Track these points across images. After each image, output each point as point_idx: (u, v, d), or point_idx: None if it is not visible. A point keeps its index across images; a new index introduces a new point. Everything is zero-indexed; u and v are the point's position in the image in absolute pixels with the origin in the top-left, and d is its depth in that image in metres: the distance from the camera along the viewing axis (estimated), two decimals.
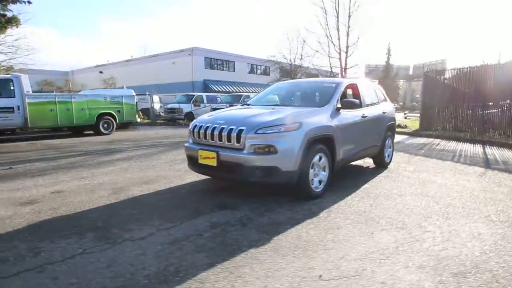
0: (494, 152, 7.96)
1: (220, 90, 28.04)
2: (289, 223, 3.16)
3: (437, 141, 10.28)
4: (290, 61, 28.13)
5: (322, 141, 3.92)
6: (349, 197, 4.05)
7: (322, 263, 2.38)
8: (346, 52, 18.50)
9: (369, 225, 3.12)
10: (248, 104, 5.05)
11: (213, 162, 3.70)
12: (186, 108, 17.75)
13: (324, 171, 4.03)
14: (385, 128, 5.66)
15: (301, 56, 27.60)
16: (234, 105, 17.68)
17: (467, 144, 9.47)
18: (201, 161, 3.85)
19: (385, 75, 41.97)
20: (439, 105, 12.99)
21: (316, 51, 19.91)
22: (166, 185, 4.50)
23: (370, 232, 2.96)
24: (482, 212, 3.51)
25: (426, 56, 79.90)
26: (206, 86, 28.44)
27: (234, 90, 29.27)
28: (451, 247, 2.65)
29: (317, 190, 3.92)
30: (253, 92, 25.34)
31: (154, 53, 33.42)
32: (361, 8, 17.59)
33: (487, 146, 8.91)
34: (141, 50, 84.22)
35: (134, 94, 13.11)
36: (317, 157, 3.84)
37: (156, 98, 20.49)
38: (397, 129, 13.37)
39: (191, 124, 4.25)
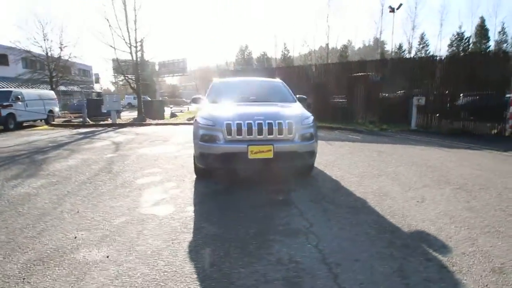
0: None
1: None
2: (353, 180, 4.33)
3: None
4: (46, 50, 23.25)
5: None
6: (329, 166, 5.54)
7: (406, 196, 3.90)
8: (136, 47, 18.26)
9: (391, 178, 4.86)
10: (217, 102, 5.12)
11: (270, 155, 4.03)
12: None
13: None
14: None
15: (61, 44, 23.58)
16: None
17: None
18: (252, 156, 4.00)
19: (141, 71, 42.86)
20: None
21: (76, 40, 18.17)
22: (185, 198, 4.06)
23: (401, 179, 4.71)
24: (402, 162, 6.13)
25: (169, 55, 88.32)
26: None
27: None
28: (436, 176, 4.90)
29: None
30: None
31: None
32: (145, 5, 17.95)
33: None
34: None
35: None
36: None
37: None
38: None
39: (219, 123, 4.11)
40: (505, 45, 42.90)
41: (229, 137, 4.08)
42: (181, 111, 29.87)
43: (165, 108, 22.72)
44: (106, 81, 54.58)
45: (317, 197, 3.90)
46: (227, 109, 4.47)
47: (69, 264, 2.36)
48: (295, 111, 4.58)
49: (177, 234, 2.87)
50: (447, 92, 12.15)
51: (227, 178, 4.70)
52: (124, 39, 17.42)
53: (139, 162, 6.06)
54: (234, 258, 2.43)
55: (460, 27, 46.15)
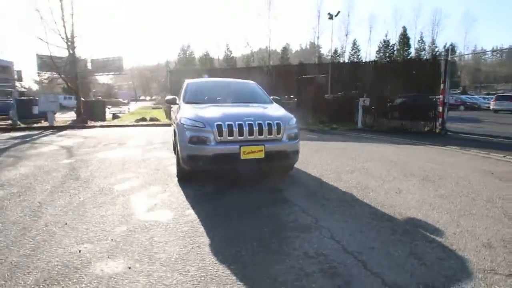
0: None
1: None
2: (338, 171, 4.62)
3: None
4: None
5: None
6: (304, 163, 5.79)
7: (384, 188, 4.32)
8: (73, 42, 16.76)
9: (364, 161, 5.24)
10: (195, 103, 5.00)
11: (261, 155, 4.12)
12: None
13: None
14: None
15: None
16: None
17: None
18: (244, 156, 4.05)
19: (72, 68, 39.30)
20: None
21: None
22: (178, 202, 3.95)
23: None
24: (366, 158, 6.62)
25: (104, 52, 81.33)
26: None
27: None
28: (400, 169, 5.42)
29: None
30: None
31: None
32: None
33: None
34: None
35: None
36: None
37: None
38: (153, 122, 14.96)
39: (210, 124, 4.07)
40: (423, 52, 48.98)
41: (220, 138, 4.07)
42: (120, 112, 28.26)
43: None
44: (28, 79, 48.65)
45: (308, 193, 4.10)
46: (213, 110, 4.44)
47: (90, 279, 2.18)
48: (279, 112, 4.73)
49: (192, 238, 2.80)
50: (386, 94, 13.48)
51: (212, 180, 4.65)
52: (59, 34, 15.83)
53: (106, 168, 5.65)
54: (263, 256, 2.48)
55: (386, 35, 51.60)
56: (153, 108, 33.18)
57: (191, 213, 3.41)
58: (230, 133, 4.08)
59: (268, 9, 44.07)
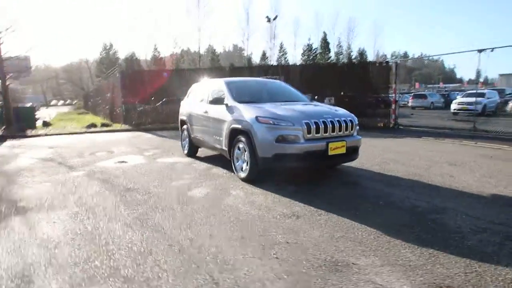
0: None
1: None
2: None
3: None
4: None
5: None
6: None
7: (434, 173, 4.96)
8: None
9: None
10: (249, 102, 4.93)
11: (343, 150, 4.35)
12: None
13: None
14: None
15: None
16: None
17: None
18: (331, 152, 4.22)
19: None
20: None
21: None
22: (286, 202, 3.92)
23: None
24: (379, 150, 7.23)
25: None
26: None
27: None
28: (418, 157, 6.12)
29: None
30: None
31: None
32: None
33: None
34: None
35: None
36: None
37: None
38: (107, 128, 13.73)
39: (298, 122, 4.12)
40: (341, 56, 54.32)
41: (309, 135, 4.18)
42: (39, 119, 24.70)
43: None
44: None
45: (384, 183, 4.46)
46: (284, 109, 4.52)
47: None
48: (342, 110, 4.99)
49: (359, 231, 2.91)
50: (342, 93, 14.75)
51: (276, 180, 4.65)
52: None
53: (140, 176, 5.15)
54: (440, 236, 2.75)
55: (309, 39, 55.37)
56: (79, 114, 29.77)
57: (320, 211, 3.43)
58: (317, 130, 4.20)
59: (197, 7, 43.09)
